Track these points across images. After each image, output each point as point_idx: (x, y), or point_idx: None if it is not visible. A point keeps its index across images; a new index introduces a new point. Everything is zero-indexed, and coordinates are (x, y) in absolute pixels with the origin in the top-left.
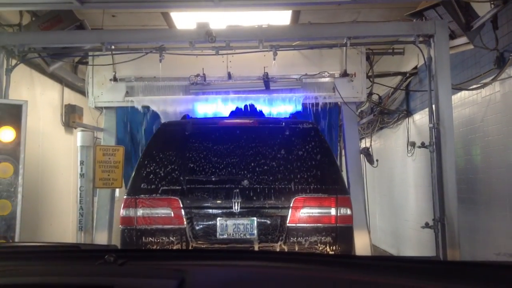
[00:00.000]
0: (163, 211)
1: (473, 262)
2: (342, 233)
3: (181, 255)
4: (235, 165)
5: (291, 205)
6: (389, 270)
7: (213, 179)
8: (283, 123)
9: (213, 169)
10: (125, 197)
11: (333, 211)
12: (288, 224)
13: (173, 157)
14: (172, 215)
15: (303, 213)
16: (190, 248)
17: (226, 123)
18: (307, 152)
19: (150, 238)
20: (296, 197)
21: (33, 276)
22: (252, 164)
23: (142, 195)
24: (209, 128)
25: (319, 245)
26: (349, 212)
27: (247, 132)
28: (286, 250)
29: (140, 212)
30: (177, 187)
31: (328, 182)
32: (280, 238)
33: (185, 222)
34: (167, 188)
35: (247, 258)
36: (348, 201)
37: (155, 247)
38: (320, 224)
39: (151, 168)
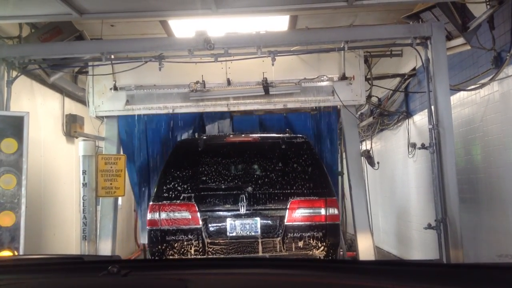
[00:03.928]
0: (182, 214)
1: (476, 265)
2: (331, 229)
3: (183, 264)
4: (241, 174)
5: (288, 206)
6: (392, 274)
7: (223, 186)
8: (280, 139)
9: (222, 179)
10: (150, 203)
11: (323, 211)
12: (286, 223)
13: (189, 169)
14: (190, 217)
15: (298, 213)
16: (205, 244)
17: (233, 140)
18: (300, 162)
19: (172, 237)
20: (292, 200)
21: None
22: (255, 174)
23: (164, 202)
24: (218, 144)
25: (312, 240)
26: (336, 211)
27: (250, 146)
28: (284, 244)
29: (163, 215)
30: (193, 194)
31: (318, 186)
32: (279, 235)
33: (200, 223)
34: (185, 195)
35: (249, 266)
36: (335, 203)
37: (176, 244)
38: (312, 222)
39: (171, 179)
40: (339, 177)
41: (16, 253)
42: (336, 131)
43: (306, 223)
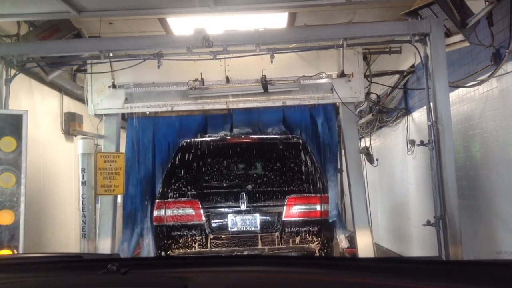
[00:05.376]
0: (187, 211)
1: (475, 261)
2: (326, 224)
3: (183, 262)
4: (241, 173)
5: (285, 203)
6: (391, 271)
7: (224, 185)
8: (277, 139)
9: (224, 177)
10: (157, 201)
11: (318, 207)
12: (283, 218)
13: (193, 168)
14: (194, 213)
15: (295, 209)
16: (208, 239)
17: (233, 140)
18: (296, 161)
19: (177, 232)
20: (289, 197)
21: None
22: (254, 172)
23: (170, 199)
24: (219, 145)
25: (307, 234)
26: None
27: (250, 147)
28: (282, 239)
29: (169, 212)
30: (197, 192)
31: (314, 184)
32: (278, 230)
33: (203, 219)
34: (189, 193)
35: (249, 263)
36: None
37: (181, 239)
38: (308, 218)
39: (176, 178)
40: (339, 174)
41: (15, 252)
42: (334, 122)
43: (303, 218)
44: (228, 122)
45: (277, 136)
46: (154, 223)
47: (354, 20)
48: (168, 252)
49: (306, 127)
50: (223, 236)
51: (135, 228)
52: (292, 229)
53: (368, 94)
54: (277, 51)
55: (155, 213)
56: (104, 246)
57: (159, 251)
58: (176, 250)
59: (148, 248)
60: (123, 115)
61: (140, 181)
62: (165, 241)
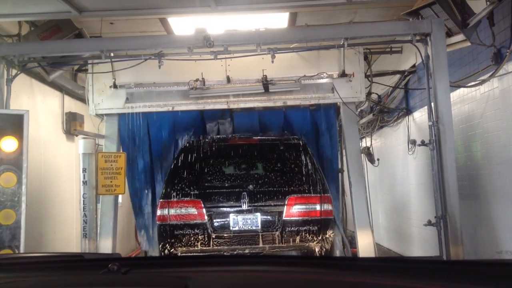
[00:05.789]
0: (189, 210)
1: (476, 261)
2: (325, 223)
3: (184, 262)
4: (243, 173)
5: (285, 203)
6: (392, 271)
7: (226, 185)
8: (278, 140)
9: (226, 177)
10: (160, 200)
11: (318, 207)
12: (284, 218)
13: (195, 169)
14: (196, 213)
15: (295, 209)
16: (211, 238)
17: (234, 142)
18: (296, 162)
19: (180, 231)
20: (289, 197)
21: (38, 287)
22: (256, 172)
23: (173, 199)
24: (221, 146)
25: (307, 233)
26: (330, 207)
27: (251, 148)
28: (283, 238)
29: (172, 211)
30: (199, 192)
31: (314, 184)
32: (278, 229)
33: (206, 218)
34: (192, 192)
35: (250, 263)
36: (329, 199)
37: (184, 238)
38: (308, 217)
39: (179, 178)
40: (339, 174)
41: (16, 251)
42: (335, 125)
43: (303, 218)
44: (225, 116)
45: (278, 137)
46: (158, 222)
47: (355, 20)
48: (171, 250)
49: (307, 129)
50: (225, 235)
51: (145, 221)
52: (293, 228)
53: (369, 94)
54: (278, 51)
55: (159, 212)
56: (105, 246)
57: (162, 249)
58: (179, 248)
59: (148, 239)
60: None
61: (138, 176)
62: (168, 240)
